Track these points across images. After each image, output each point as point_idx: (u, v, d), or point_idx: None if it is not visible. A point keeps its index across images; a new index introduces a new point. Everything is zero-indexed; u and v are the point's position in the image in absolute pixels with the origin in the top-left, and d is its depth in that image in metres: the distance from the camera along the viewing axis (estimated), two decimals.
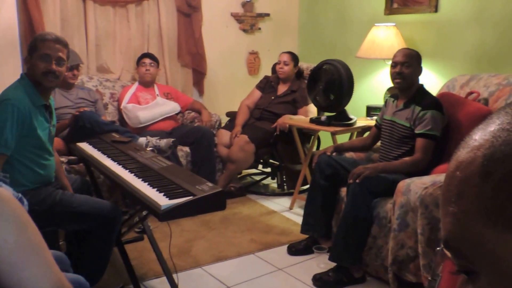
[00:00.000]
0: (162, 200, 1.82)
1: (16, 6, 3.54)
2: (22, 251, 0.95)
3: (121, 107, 3.84)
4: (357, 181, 2.58)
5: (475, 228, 0.43)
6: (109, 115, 3.87)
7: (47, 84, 2.22)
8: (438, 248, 1.69)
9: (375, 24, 3.91)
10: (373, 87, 4.30)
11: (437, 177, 2.39)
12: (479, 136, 0.45)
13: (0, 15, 3.45)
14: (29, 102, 2.13)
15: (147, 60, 3.91)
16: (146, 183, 2.01)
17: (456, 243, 0.45)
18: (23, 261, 0.94)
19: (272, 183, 4.43)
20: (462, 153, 0.46)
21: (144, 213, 2.45)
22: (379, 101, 3.97)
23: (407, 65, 2.74)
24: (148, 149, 2.65)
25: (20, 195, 1.03)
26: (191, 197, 1.85)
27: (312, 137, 3.82)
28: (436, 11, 3.74)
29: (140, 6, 4.17)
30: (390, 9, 4.10)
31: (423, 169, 2.62)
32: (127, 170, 2.20)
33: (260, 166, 4.54)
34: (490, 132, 0.44)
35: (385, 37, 3.80)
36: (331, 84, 3.40)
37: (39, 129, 2.17)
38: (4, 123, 2.05)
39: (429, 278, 2.04)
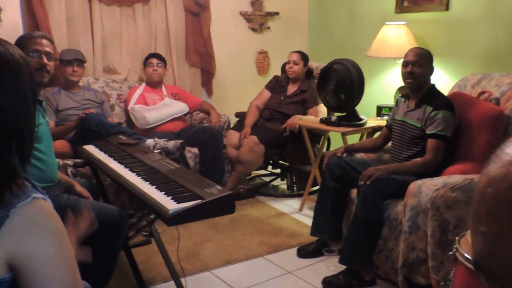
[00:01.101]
0: (169, 204, 1.78)
1: (20, 6, 3.51)
2: (57, 266, 0.97)
3: (128, 108, 3.81)
4: (368, 182, 2.54)
5: (508, 250, 0.39)
6: (116, 117, 3.84)
7: (41, 79, 2.24)
8: (450, 252, 1.64)
9: (386, 23, 3.86)
10: (383, 87, 4.25)
11: (448, 179, 2.35)
12: None
13: (5, 15, 3.42)
14: None
15: (154, 60, 3.88)
16: (154, 187, 1.98)
17: (488, 264, 0.41)
18: (55, 276, 0.96)
19: (282, 184, 4.39)
20: (494, 168, 0.42)
21: (152, 216, 2.42)
22: (389, 100, 3.92)
23: (418, 65, 2.69)
24: (155, 151, 2.61)
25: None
26: (199, 200, 1.81)
27: (322, 137, 3.78)
28: (447, 9, 3.68)
29: (147, 5, 4.12)
30: (400, 7, 4.04)
31: (434, 170, 2.58)
32: (134, 173, 2.17)
33: (269, 167, 4.50)
34: None
35: (396, 36, 3.75)
36: (341, 84, 3.35)
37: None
38: None
39: (441, 283, 2.00)
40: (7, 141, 0.97)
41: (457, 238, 1.57)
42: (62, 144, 3.09)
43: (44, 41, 2.25)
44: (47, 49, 2.25)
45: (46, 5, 3.60)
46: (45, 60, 2.23)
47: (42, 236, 0.95)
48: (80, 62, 3.47)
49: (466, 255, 1.48)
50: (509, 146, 0.42)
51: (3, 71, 0.98)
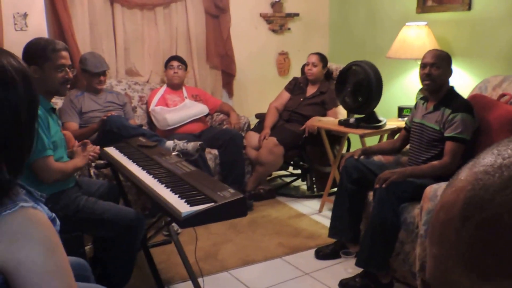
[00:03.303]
0: (183, 207, 1.81)
1: (45, 11, 3.60)
2: (48, 274, 0.98)
3: (150, 110, 3.88)
4: (383, 186, 2.53)
5: (453, 274, 0.40)
6: (138, 118, 3.90)
7: (65, 91, 2.32)
8: None
9: (406, 24, 3.83)
10: (404, 88, 4.21)
11: None
12: (465, 176, 0.43)
13: (30, 20, 3.53)
14: (41, 106, 2.18)
15: (175, 63, 3.94)
16: (169, 189, 2.02)
17: (436, 287, 0.43)
18: (48, 284, 0.97)
19: (303, 185, 4.39)
20: (448, 192, 0.43)
21: (168, 218, 2.47)
22: (411, 101, 3.89)
23: (436, 67, 2.67)
24: (173, 153, 2.66)
25: (53, 215, 1.06)
26: (212, 203, 1.84)
27: (342, 139, 3.77)
28: (469, 9, 3.63)
29: (168, 9, 4.19)
30: (422, 7, 4.00)
31: (452, 174, 2.53)
32: (151, 176, 2.21)
33: (290, 168, 4.51)
34: (474, 173, 0.42)
35: (416, 37, 3.71)
36: (359, 86, 3.34)
37: (53, 131, 2.22)
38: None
39: None
40: None
41: None
42: None
43: (66, 53, 2.28)
44: (69, 61, 2.29)
45: (70, 10, 3.68)
46: (71, 75, 2.28)
47: (30, 244, 0.96)
48: (105, 71, 3.54)
49: None
50: (464, 170, 0.43)
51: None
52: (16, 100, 1.00)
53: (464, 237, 0.40)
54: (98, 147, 2.50)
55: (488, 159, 0.42)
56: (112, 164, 2.57)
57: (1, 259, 0.94)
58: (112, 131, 3.05)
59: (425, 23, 3.77)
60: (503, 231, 0.38)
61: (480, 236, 0.39)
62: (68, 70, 2.27)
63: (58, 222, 1.07)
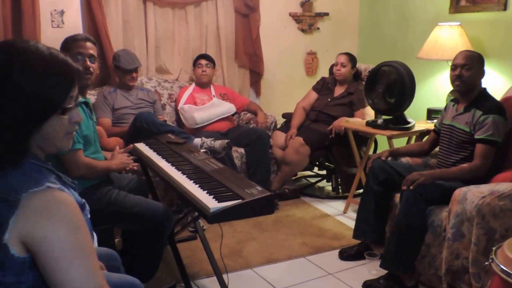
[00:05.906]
0: (211, 203, 1.84)
1: (81, 10, 3.71)
2: (70, 252, 1.02)
3: (178, 107, 3.92)
4: (411, 187, 2.51)
5: None
6: (167, 116, 3.95)
7: (85, 81, 2.31)
8: (486, 263, 1.61)
9: (439, 24, 3.78)
10: (434, 89, 4.16)
11: (496, 186, 2.29)
12: None
13: (66, 17, 3.65)
14: None
15: (203, 61, 3.97)
16: (197, 185, 2.04)
17: None
18: (69, 261, 1.02)
19: (327, 186, 4.38)
20: None
21: (196, 213, 2.50)
22: (440, 103, 3.85)
23: (467, 68, 2.63)
24: (202, 150, 2.69)
25: (83, 201, 1.11)
26: (239, 200, 1.85)
27: (369, 140, 3.75)
28: (504, 9, 3.57)
29: (198, 7, 4.23)
30: (455, 7, 3.95)
31: (482, 177, 2.52)
32: (180, 172, 2.24)
33: (315, 169, 4.50)
34: None
35: (449, 37, 3.66)
36: (391, 87, 3.30)
37: (84, 126, 2.25)
38: None
39: None
40: (30, 123, 1.05)
41: (494, 248, 1.55)
42: (116, 141, 3.22)
43: (88, 44, 2.31)
44: (91, 51, 2.32)
45: (104, 9, 3.76)
46: (88, 63, 2.30)
47: (54, 222, 1.01)
48: (137, 68, 3.60)
49: (501, 266, 1.46)
50: None
51: (58, 72, 1.06)
52: (69, 91, 1.07)
53: None
54: (138, 164, 2.52)
55: None
56: (142, 159, 2.62)
57: (27, 235, 1.00)
58: (142, 127, 3.10)
59: (458, 23, 3.71)
60: None
61: None
62: (87, 59, 2.29)
63: (88, 208, 1.11)
